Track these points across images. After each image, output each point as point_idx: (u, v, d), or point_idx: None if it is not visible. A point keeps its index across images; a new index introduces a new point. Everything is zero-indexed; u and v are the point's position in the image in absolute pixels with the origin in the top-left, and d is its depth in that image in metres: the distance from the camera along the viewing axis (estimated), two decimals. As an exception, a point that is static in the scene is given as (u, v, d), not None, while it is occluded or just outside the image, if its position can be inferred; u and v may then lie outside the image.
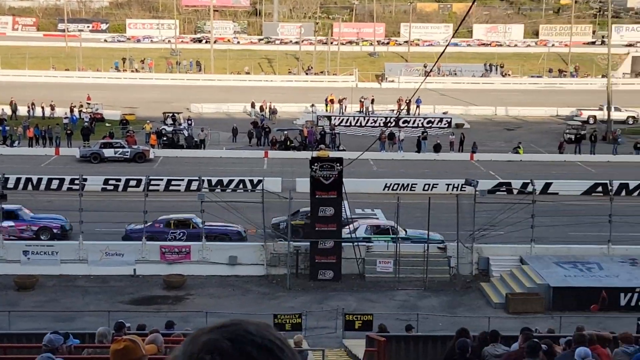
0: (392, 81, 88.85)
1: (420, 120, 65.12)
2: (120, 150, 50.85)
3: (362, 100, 68.97)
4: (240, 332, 2.09)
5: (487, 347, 12.55)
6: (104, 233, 32.36)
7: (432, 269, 30.03)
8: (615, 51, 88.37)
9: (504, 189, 41.63)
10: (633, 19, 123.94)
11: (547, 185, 42.42)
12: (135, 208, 31.99)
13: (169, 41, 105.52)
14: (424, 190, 42.41)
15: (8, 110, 64.47)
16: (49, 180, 42.31)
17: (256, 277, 30.75)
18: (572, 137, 58.07)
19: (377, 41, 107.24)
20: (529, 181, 34.58)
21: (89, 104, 66.14)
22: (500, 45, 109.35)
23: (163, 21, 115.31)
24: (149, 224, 31.95)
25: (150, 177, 37.10)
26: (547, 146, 58.30)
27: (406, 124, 63.62)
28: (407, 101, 61.45)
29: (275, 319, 22.85)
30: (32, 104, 65.27)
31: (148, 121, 60.26)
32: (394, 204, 31.89)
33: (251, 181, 42.43)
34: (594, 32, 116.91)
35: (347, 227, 31.57)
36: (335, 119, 65.08)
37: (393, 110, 68.50)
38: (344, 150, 51.93)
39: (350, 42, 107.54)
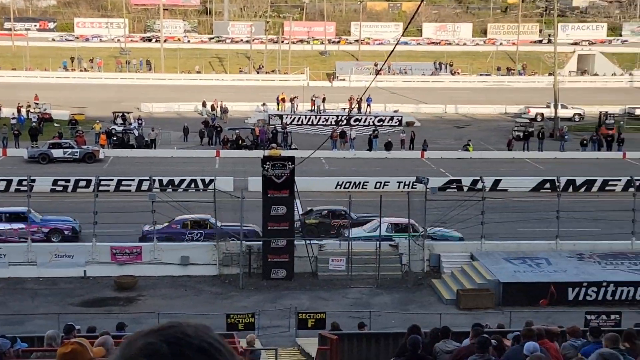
0: (343, 80, 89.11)
1: (371, 119, 65.45)
2: (70, 150, 50.23)
3: (314, 99, 69.07)
4: (177, 334, 2.07)
5: (439, 344, 12.69)
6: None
7: (384, 266, 30.23)
8: (561, 49, 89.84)
9: (454, 186, 42.01)
10: (578, 17, 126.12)
11: (497, 182, 42.98)
12: (86, 209, 31.65)
13: (119, 40, 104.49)
14: (375, 188, 42.66)
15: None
16: (-4, 182, 41.66)
17: (209, 277, 30.63)
18: (521, 134, 58.91)
19: (328, 40, 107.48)
20: (478, 178, 34.94)
21: (37, 103, 65.16)
22: (450, 43, 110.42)
23: (112, 20, 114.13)
24: (165, 225, 31.85)
25: (100, 178, 36.74)
26: (496, 143, 59.04)
27: (357, 123, 63.94)
28: (358, 100, 61.72)
29: (228, 319, 22.79)
30: (-22, 104, 64.17)
31: (97, 121, 59.59)
32: (346, 202, 32.08)
33: (203, 181, 42.24)
34: (540, 31, 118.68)
35: (362, 227, 32.41)
36: (286, 117, 65.08)
37: (344, 108, 68.73)
38: (295, 149, 51.98)
39: (301, 41, 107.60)
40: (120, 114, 60.33)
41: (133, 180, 42.53)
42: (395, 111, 69.83)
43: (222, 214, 31.61)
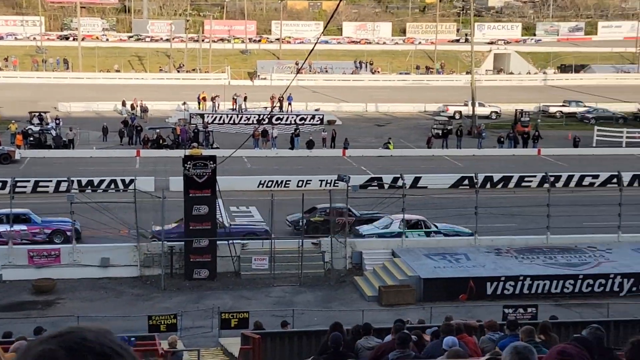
0: (265, 79, 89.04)
1: (293, 117, 65.66)
2: (-16, 151, 48.96)
3: (235, 97, 68.82)
4: (76, 339, 2.04)
5: (360, 340, 12.82)
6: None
7: (307, 264, 30.35)
8: (478, 49, 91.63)
9: (376, 184, 42.43)
10: (494, 17, 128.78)
11: (417, 179, 43.53)
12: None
13: (34, 38, 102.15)
14: (297, 186, 42.77)
15: None
16: None
17: (130, 278, 30.24)
18: (440, 132, 59.87)
19: (249, 39, 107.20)
20: (399, 176, 35.35)
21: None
22: (370, 42, 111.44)
23: (27, 18, 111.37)
24: (174, 224, 31.37)
25: (17, 179, 35.89)
26: (415, 141, 59.85)
27: (279, 121, 64.03)
28: (280, 98, 61.78)
29: (150, 321, 22.57)
30: None
31: (13, 121, 58.08)
32: (269, 201, 32.05)
33: (123, 181, 41.64)
34: (458, 30, 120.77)
35: (372, 224, 32.88)
36: (208, 116, 64.68)
37: (266, 107, 68.73)
38: (217, 148, 51.74)
39: (222, 40, 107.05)
40: (37, 114, 59.04)
41: (51, 181, 41.66)
42: (316, 110, 70.19)
43: (143, 214, 31.25)
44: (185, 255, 30.27)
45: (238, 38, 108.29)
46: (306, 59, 49.60)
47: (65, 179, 36.74)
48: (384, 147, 56.16)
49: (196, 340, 23.51)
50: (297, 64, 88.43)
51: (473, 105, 65.55)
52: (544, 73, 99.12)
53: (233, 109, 67.99)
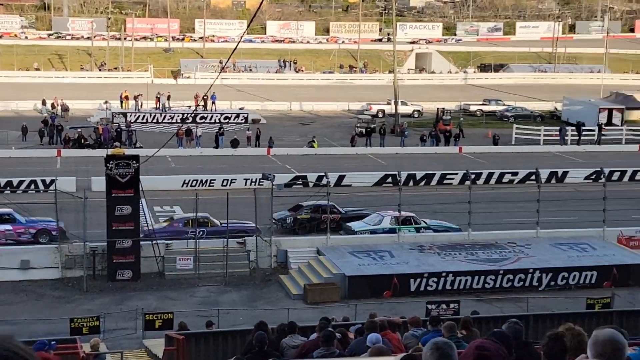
0: (188, 77, 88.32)
1: (217, 116, 65.33)
2: None
3: (158, 96, 68.14)
4: None
5: (285, 339, 12.88)
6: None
7: (232, 263, 30.28)
8: (400, 48, 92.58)
9: (300, 182, 42.60)
10: (416, 17, 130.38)
11: (341, 177, 43.87)
12: None
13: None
14: (222, 185, 42.59)
15: None
16: None
17: (51, 280, 29.65)
18: (363, 130, 60.39)
19: (172, 37, 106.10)
20: (323, 174, 35.55)
21: None
22: (294, 41, 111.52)
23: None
24: (165, 224, 31.48)
25: None
26: (340, 140, 60.20)
27: (203, 120, 63.66)
28: (204, 97, 61.41)
29: (72, 323, 22.19)
30: None
31: None
32: (193, 200, 31.84)
33: (43, 181, 40.83)
34: (380, 30, 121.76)
35: (362, 220, 33.55)
36: (130, 115, 63.88)
37: (190, 106, 68.23)
38: (140, 147, 51.15)
39: (145, 38, 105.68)
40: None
41: (-33, 182, 40.58)
42: (241, 109, 70.01)
43: (65, 215, 30.70)
44: (108, 256, 29.84)
45: (161, 36, 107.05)
46: (229, 57, 49.44)
47: (-17, 180, 35.85)
48: (308, 145, 56.32)
49: (120, 342, 23.20)
50: (221, 62, 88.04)
51: (396, 104, 66.27)
52: (465, 72, 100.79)
53: (156, 108, 67.28)
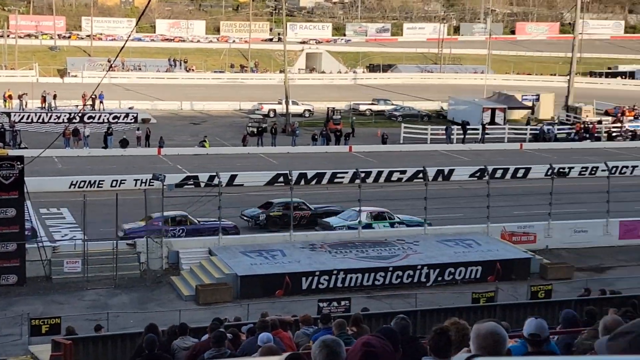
0: (75, 76, 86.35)
1: (106, 116, 64.19)
2: None
3: (44, 95, 66.40)
4: None
5: (176, 341, 12.86)
6: None
7: (122, 265, 29.79)
8: (290, 48, 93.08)
9: (192, 182, 42.28)
10: (306, 17, 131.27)
11: (233, 177, 43.77)
12: None
13: None
14: (111, 186, 41.88)
15: None
16: None
17: None
18: (255, 130, 60.39)
19: (58, 35, 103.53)
20: (215, 174, 35.42)
21: None
22: (184, 40, 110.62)
23: None
24: (143, 223, 31.17)
25: None
26: (231, 139, 60.03)
27: (91, 120, 62.44)
28: (92, 96, 60.19)
29: (-46, 331, 21.45)
30: None
31: None
32: (81, 202, 31.18)
33: None
34: (271, 30, 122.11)
35: (337, 216, 34.39)
36: (15, 115, 62.04)
37: (77, 105, 66.72)
38: (25, 147, 49.87)
39: (29, 36, 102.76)
40: None
41: None
42: (130, 108, 68.96)
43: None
44: (-9, 261, 28.90)
45: (46, 34, 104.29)
46: (117, 55, 48.58)
47: None
48: (199, 145, 55.94)
49: (5, 349, 22.55)
50: (109, 61, 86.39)
51: (287, 103, 66.55)
52: (354, 72, 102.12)
53: (42, 108, 65.57)
